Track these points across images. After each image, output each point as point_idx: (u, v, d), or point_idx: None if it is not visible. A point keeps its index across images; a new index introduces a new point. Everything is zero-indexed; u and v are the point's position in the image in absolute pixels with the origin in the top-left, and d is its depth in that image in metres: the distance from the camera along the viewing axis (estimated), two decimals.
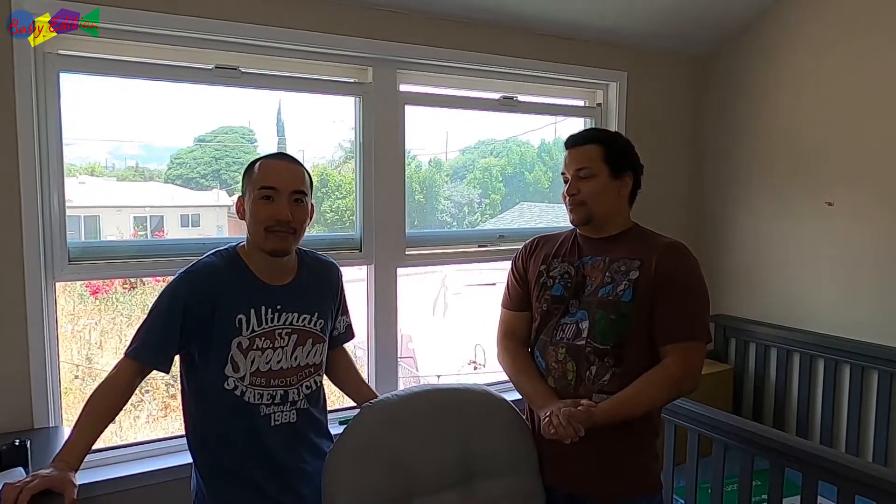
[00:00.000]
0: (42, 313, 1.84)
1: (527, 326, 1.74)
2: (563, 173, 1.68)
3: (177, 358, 1.52)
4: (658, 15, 2.68)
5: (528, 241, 1.82)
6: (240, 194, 1.55)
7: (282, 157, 1.55)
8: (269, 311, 1.51)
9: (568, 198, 1.65)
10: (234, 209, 1.60)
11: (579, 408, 1.47)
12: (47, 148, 1.84)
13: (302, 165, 1.56)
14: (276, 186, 1.47)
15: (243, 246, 1.56)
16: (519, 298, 1.77)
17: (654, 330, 1.55)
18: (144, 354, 1.46)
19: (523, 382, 1.67)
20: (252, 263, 1.53)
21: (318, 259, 1.68)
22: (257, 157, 1.58)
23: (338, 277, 1.71)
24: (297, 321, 1.55)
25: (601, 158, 1.60)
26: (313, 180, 1.60)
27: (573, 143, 1.65)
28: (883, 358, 2.46)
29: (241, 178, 1.56)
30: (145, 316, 1.49)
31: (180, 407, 1.59)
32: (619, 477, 1.59)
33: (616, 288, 1.57)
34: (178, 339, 1.46)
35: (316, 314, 1.59)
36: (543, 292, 1.67)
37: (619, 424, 1.52)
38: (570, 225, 1.72)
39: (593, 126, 2.88)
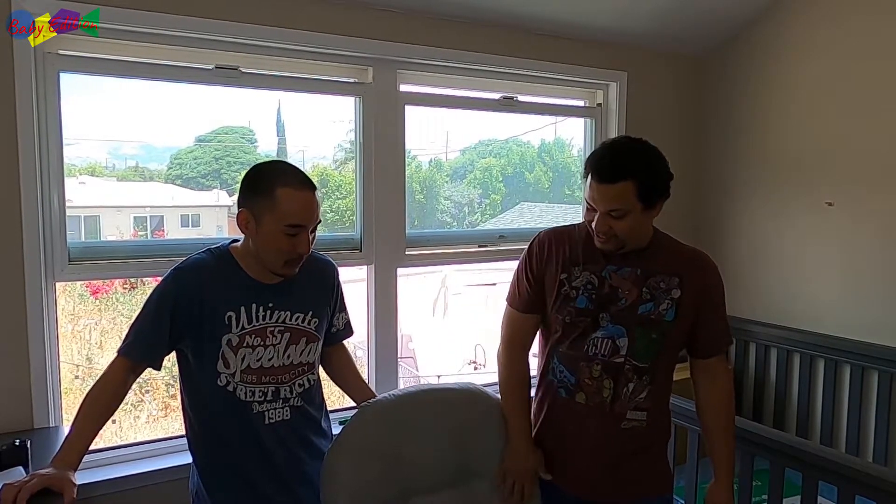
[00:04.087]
0: (42, 313, 1.84)
1: (533, 331, 1.66)
2: (588, 201, 1.50)
3: (175, 358, 1.53)
4: (658, 15, 2.68)
5: (539, 239, 1.65)
6: (244, 207, 1.45)
7: (304, 186, 1.45)
8: (261, 309, 1.50)
9: (598, 233, 1.51)
10: (234, 210, 1.58)
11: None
12: (47, 148, 1.85)
13: (316, 188, 1.49)
14: (304, 224, 1.44)
15: (236, 246, 1.55)
16: (530, 301, 1.63)
17: (698, 343, 1.60)
18: (136, 351, 1.46)
19: (511, 398, 1.66)
20: (244, 263, 1.52)
21: (314, 257, 1.65)
22: (264, 164, 1.50)
23: (334, 275, 1.69)
24: (290, 320, 1.54)
25: (635, 195, 1.44)
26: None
27: (604, 178, 1.44)
28: (883, 358, 2.46)
29: (245, 185, 1.47)
30: (137, 313, 1.49)
31: (180, 407, 1.59)
32: (639, 482, 1.59)
33: (658, 306, 1.53)
34: (168, 335, 1.46)
35: (310, 313, 1.58)
36: (567, 304, 1.56)
37: (636, 434, 1.55)
38: (574, 221, 1.68)
39: (593, 126, 2.89)
